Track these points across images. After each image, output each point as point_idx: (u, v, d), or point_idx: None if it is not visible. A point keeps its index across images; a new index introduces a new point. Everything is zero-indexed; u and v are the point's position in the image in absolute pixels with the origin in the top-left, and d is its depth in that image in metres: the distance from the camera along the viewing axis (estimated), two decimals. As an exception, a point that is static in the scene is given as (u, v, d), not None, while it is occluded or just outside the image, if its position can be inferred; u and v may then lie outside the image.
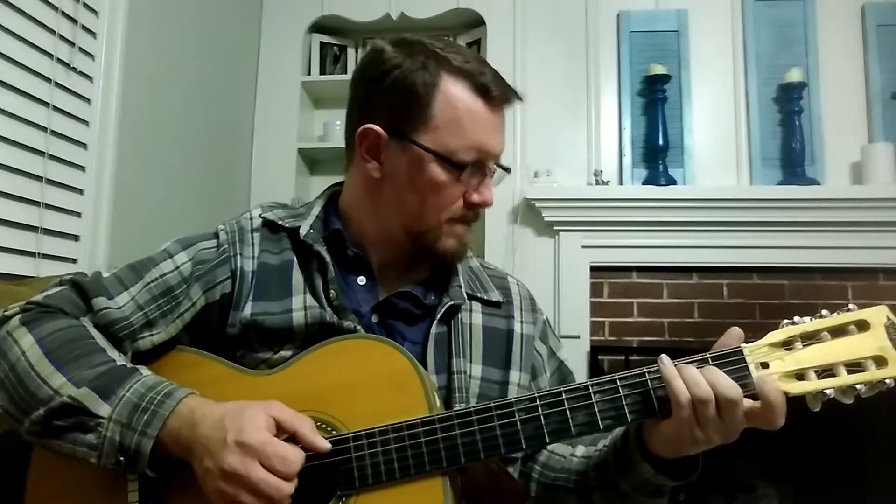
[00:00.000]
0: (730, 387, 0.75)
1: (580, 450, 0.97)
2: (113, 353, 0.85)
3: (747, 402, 0.76)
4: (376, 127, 0.94)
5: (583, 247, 2.59)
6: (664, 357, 0.78)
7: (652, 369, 0.80)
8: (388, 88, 0.93)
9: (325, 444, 0.78)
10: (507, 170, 0.99)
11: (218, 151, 2.57)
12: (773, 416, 0.75)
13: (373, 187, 0.97)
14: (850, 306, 0.78)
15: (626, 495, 0.87)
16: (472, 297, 1.01)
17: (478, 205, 0.95)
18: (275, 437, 0.75)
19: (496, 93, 0.93)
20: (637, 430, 0.84)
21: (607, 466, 0.89)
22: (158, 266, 0.95)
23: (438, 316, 0.96)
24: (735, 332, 0.81)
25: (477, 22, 2.84)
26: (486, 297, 1.02)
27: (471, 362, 0.96)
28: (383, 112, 0.94)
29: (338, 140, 2.80)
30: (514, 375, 0.99)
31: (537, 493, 0.99)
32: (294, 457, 0.74)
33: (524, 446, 0.81)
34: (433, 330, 0.95)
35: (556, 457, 0.99)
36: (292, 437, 0.77)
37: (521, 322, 1.04)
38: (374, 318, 0.97)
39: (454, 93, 0.91)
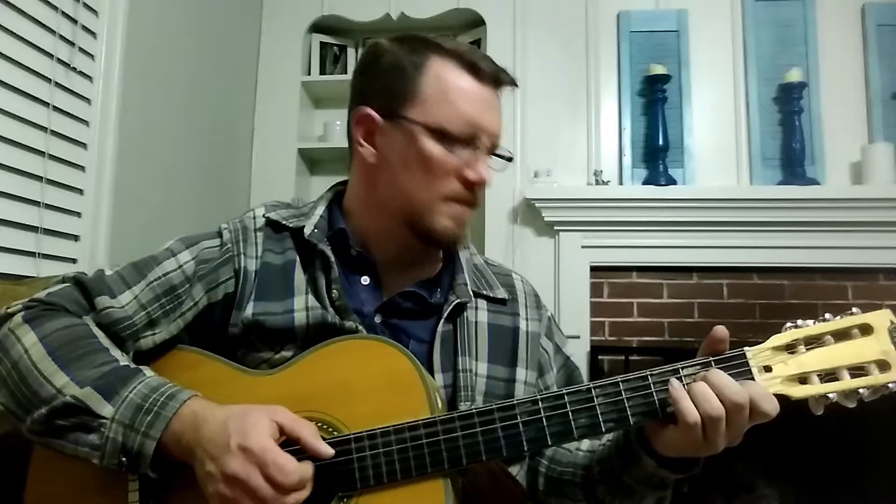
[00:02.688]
0: (737, 391, 0.74)
1: (585, 444, 0.98)
2: (116, 352, 0.85)
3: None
4: (370, 110, 0.96)
5: (583, 247, 2.60)
6: (673, 380, 0.78)
7: (654, 372, 0.79)
8: (380, 73, 0.97)
9: (327, 450, 0.78)
10: (509, 159, 0.99)
11: (218, 151, 2.57)
12: (761, 408, 0.75)
13: (370, 176, 0.98)
14: (854, 310, 0.78)
15: (630, 489, 0.87)
16: (477, 295, 1.01)
17: (473, 182, 0.93)
18: (276, 445, 0.75)
19: (485, 68, 0.94)
20: (639, 427, 0.84)
21: (611, 461, 0.89)
22: (161, 265, 0.95)
23: (445, 314, 0.96)
24: (719, 335, 0.80)
25: (477, 22, 2.84)
26: (491, 295, 1.02)
27: (477, 360, 0.96)
28: (377, 95, 0.96)
29: (338, 140, 2.80)
30: (521, 373, 0.99)
31: (545, 486, 0.99)
32: (291, 468, 0.74)
33: (526, 448, 0.81)
34: (440, 328, 0.95)
35: (562, 451, 0.99)
36: (295, 443, 0.77)
37: (527, 319, 1.04)
38: (378, 319, 0.97)
39: (442, 69, 0.94)
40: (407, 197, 0.95)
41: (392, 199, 0.96)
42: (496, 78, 0.96)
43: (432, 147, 0.92)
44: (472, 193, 0.95)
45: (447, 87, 0.93)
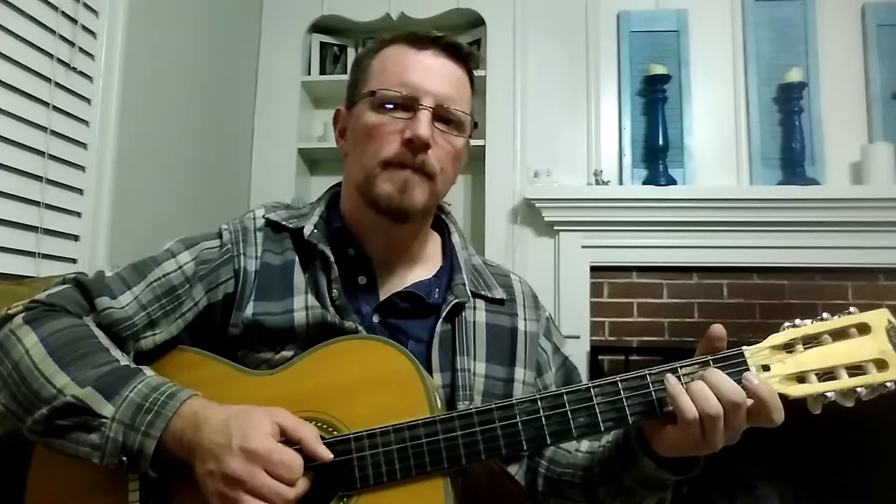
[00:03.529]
0: (734, 391, 0.74)
1: (585, 445, 0.98)
2: (116, 352, 0.85)
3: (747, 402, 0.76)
4: (342, 107, 1.03)
5: (583, 247, 2.60)
6: (670, 377, 0.78)
7: (653, 371, 0.80)
8: (350, 72, 1.04)
9: (327, 454, 0.78)
10: (474, 125, 1.00)
11: (218, 151, 2.57)
12: (769, 412, 0.75)
13: (346, 168, 1.02)
14: (851, 309, 0.78)
15: (630, 490, 0.87)
16: (476, 295, 1.01)
17: (409, 140, 0.91)
18: (279, 444, 0.75)
19: (424, 36, 0.96)
20: (638, 428, 0.84)
21: (610, 462, 0.90)
22: (161, 266, 0.95)
23: (443, 314, 0.96)
24: (715, 333, 0.80)
25: (477, 22, 2.84)
26: (489, 295, 1.02)
27: (475, 360, 0.96)
28: (346, 93, 1.03)
29: (338, 140, 2.80)
30: (519, 373, 1.00)
31: (544, 487, 0.98)
32: (297, 464, 0.75)
33: (525, 447, 0.81)
34: (438, 328, 0.95)
35: (561, 451, 0.99)
36: (295, 444, 0.77)
37: (525, 319, 1.04)
38: (376, 318, 0.97)
39: (388, 49, 0.98)
40: (358, 171, 0.96)
41: (354, 179, 0.98)
42: (436, 43, 0.96)
43: (371, 116, 0.95)
44: (412, 155, 0.92)
45: (386, 62, 0.97)
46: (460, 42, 0.98)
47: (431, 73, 0.95)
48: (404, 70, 0.94)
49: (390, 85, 0.94)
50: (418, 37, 0.96)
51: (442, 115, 0.94)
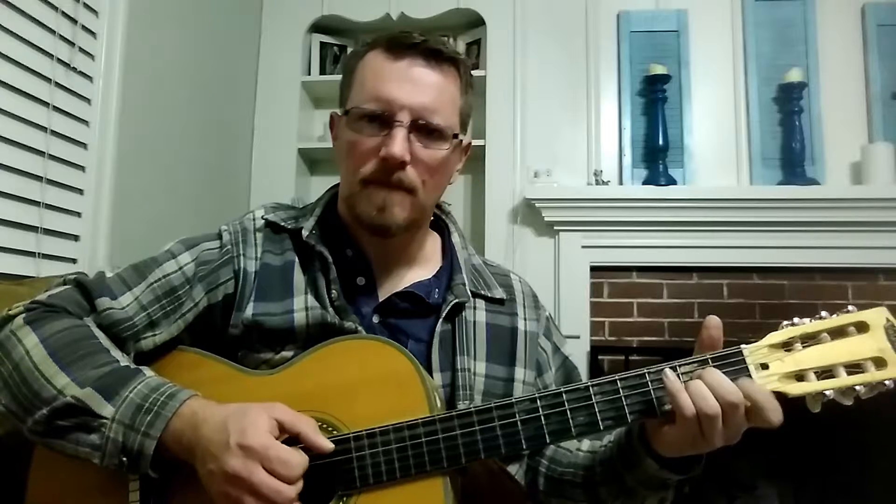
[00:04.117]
0: (731, 391, 0.74)
1: (586, 444, 0.98)
2: (116, 353, 0.85)
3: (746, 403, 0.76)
4: (336, 112, 1.02)
5: (583, 247, 2.60)
6: (668, 371, 0.78)
7: (652, 370, 0.80)
8: (341, 76, 1.03)
9: (327, 445, 0.78)
10: (456, 135, 0.96)
11: (218, 151, 2.57)
12: (766, 414, 0.75)
13: (340, 173, 1.01)
14: (850, 308, 0.78)
15: (632, 490, 0.87)
16: (476, 295, 1.01)
17: (384, 159, 0.90)
18: (277, 440, 0.75)
19: (401, 42, 0.94)
20: (640, 428, 0.84)
21: (612, 461, 0.90)
22: (162, 266, 0.95)
23: (443, 314, 0.96)
24: (712, 323, 0.80)
25: (477, 22, 2.84)
26: (489, 295, 1.02)
27: (475, 360, 0.96)
28: (339, 96, 1.01)
29: (338, 140, 2.80)
30: (519, 372, 1.00)
31: (545, 487, 0.99)
32: (296, 461, 0.74)
33: (524, 447, 0.81)
34: (438, 328, 0.95)
35: (562, 451, 0.99)
36: (295, 438, 0.77)
37: (525, 319, 1.04)
38: (376, 319, 0.97)
39: (368, 57, 0.96)
40: (344, 185, 0.98)
41: (343, 191, 1.00)
42: (415, 48, 0.93)
43: (349, 133, 0.94)
44: (387, 171, 0.91)
45: (365, 72, 0.95)
46: (442, 46, 0.95)
47: (407, 85, 0.92)
48: (379, 84, 0.92)
49: (365, 100, 0.92)
50: (398, 42, 0.94)
51: (421, 127, 0.92)
